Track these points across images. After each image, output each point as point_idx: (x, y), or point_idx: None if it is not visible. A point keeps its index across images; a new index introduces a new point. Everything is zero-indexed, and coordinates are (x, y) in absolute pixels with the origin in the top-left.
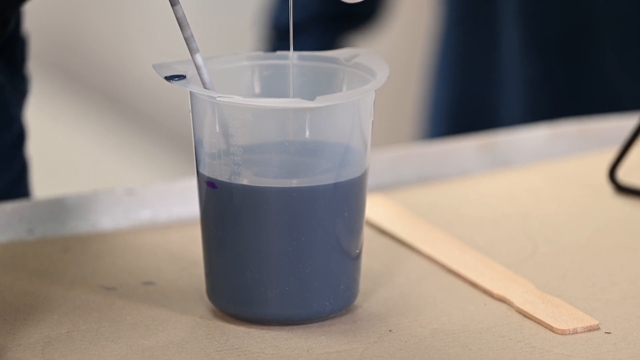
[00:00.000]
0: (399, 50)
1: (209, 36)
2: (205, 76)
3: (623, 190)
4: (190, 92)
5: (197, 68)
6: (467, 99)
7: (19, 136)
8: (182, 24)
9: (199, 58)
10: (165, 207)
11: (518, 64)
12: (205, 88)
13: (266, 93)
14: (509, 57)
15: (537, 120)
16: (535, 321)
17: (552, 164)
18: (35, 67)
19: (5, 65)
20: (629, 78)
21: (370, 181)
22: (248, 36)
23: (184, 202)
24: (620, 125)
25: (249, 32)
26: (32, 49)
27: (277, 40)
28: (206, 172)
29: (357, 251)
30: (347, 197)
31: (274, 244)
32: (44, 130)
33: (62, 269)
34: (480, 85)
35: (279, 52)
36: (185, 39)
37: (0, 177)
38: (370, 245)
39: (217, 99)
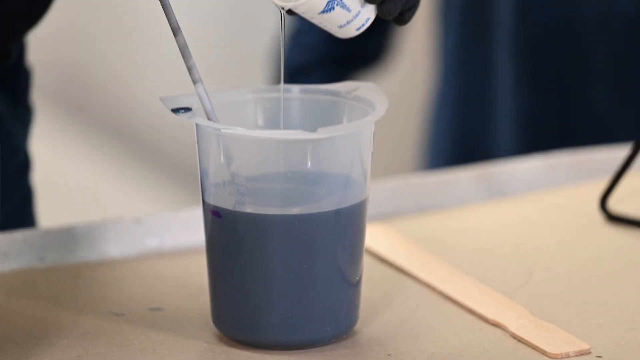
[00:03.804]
0: (398, 84)
1: (221, 74)
2: (207, 104)
3: (614, 219)
4: (196, 124)
5: (200, 97)
6: (465, 133)
7: (23, 165)
8: (184, 53)
9: (201, 87)
10: (172, 236)
11: (512, 99)
12: (207, 116)
13: (269, 125)
14: (504, 92)
15: (531, 152)
16: (529, 346)
17: (546, 194)
18: (41, 98)
19: (8, 96)
20: (617, 111)
21: (370, 211)
22: (259, 75)
23: (189, 230)
24: (611, 156)
25: (260, 71)
26: (38, 81)
27: (287, 79)
28: (211, 201)
29: (358, 278)
30: (348, 226)
31: (277, 271)
32: (53, 159)
33: (72, 296)
34: (477, 119)
35: (281, 85)
36: (188, 69)
37: (5, 205)
38: (370, 272)
39: (222, 130)
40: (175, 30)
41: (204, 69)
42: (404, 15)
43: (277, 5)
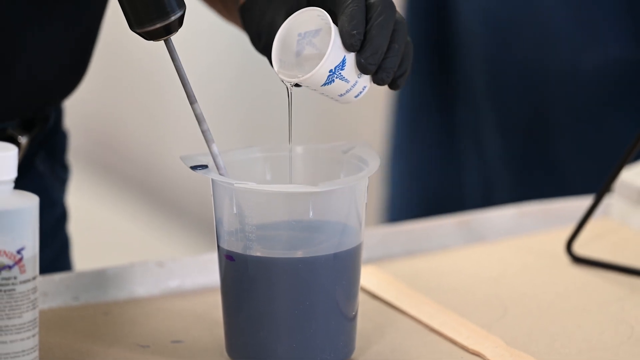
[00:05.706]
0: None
1: (241, 137)
2: (220, 162)
3: (578, 260)
4: (212, 179)
5: (213, 155)
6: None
7: (60, 216)
8: (199, 119)
9: (214, 147)
10: (191, 277)
11: (499, 149)
12: (219, 172)
13: (276, 180)
14: (490, 144)
15: (505, 198)
16: None
17: (519, 239)
18: (76, 158)
19: (47, 156)
20: (578, 164)
21: (363, 254)
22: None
23: (206, 272)
24: (575, 205)
25: (273, 135)
26: (73, 142)
27: None
28: (225, 246)
29: (354, 313)
30: (345, 267)
31: (283, 307)
32: (87, 211)
33: (103, 330)
34: (460, 172)
35: (286, 145)
36: (203, 132)
37: (44, 252)
38: (364, 308)
39: (234, 185)
40: (192, 101)
41: (230, 132)
42: (397, 81)
43: (284, 82)
